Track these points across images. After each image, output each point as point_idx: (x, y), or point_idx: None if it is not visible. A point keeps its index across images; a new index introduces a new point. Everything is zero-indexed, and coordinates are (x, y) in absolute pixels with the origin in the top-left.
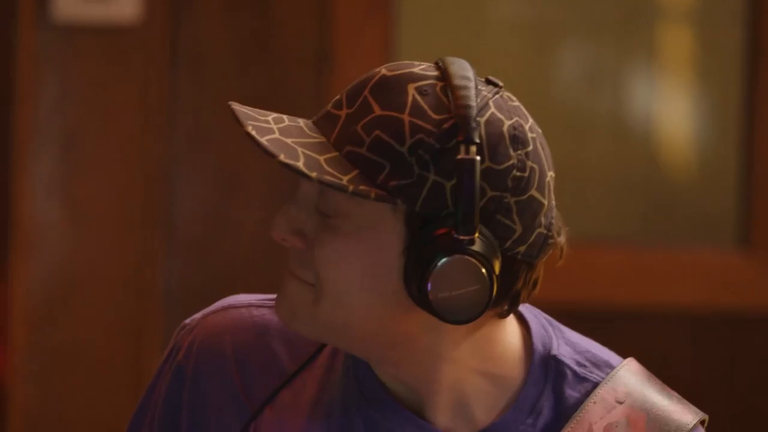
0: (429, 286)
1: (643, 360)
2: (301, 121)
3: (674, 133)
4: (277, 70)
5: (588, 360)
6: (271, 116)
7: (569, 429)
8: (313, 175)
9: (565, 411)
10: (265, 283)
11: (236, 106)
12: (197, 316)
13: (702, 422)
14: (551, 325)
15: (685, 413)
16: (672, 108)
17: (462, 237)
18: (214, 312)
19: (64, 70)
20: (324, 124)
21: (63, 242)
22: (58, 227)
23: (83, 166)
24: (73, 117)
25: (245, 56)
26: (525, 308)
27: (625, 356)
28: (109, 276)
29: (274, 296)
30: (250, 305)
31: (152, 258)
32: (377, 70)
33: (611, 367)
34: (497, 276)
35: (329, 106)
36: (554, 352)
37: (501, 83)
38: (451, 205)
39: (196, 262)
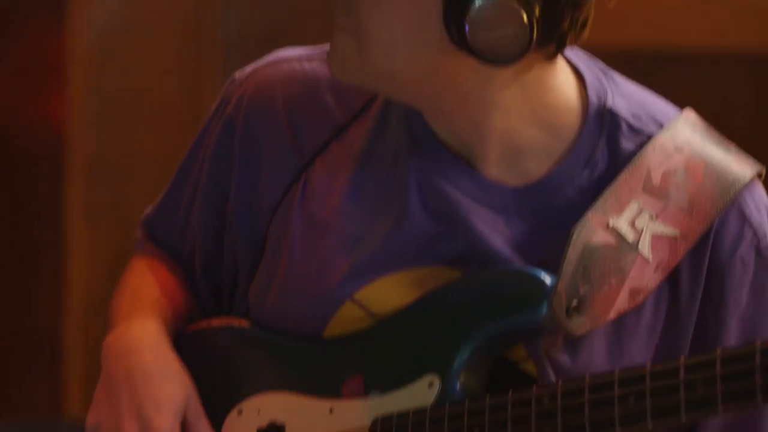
0: (467, 27)
1: (701, 104)
2: None
3: None
4: None
5: (644, 112)
6: None
7: (627, 174)
8: None
9: (621, 163)
10: (323, 30)
11: None
12: (247, 69)
13: (759, 174)
14: (606, 75)
15: (742, 164)
16: None
17: None
18: (264, 66)
19: None
20: None
21: None
22: None
23: None
24: None
25: None
26: (579, 59)
27: (683, 101)
28: (168, 22)
29: (324, 48)
30: (300, 58)
31: (210, 4)
32: None
33: (668, 119)
34: (537, 18)
35: None
36: (609, 104)
37: None
38: None
39: (254, 8)
